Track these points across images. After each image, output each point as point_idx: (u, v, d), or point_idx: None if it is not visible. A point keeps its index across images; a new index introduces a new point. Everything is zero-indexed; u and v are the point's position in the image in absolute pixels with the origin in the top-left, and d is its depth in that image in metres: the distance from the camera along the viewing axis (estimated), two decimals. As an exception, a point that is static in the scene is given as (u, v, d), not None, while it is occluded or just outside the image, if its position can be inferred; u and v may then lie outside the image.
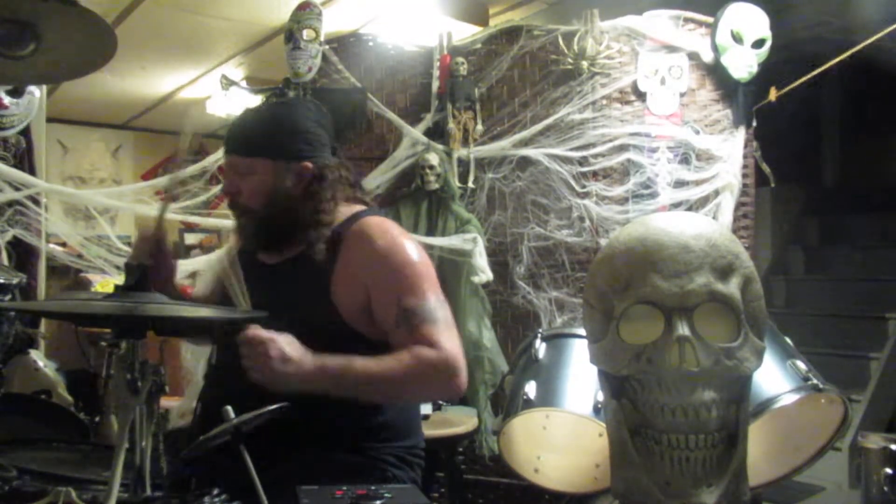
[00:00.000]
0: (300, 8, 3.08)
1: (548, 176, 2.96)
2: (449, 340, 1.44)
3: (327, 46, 3.11)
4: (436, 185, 2.95)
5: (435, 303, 1.47)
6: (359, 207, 1.60)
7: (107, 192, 3.48)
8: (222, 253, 1.60)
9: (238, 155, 1.54)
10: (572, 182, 2.94)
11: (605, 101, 2.97)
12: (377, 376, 1.40)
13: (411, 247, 1.53)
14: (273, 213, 1.52)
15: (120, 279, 1.13)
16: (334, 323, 1.47)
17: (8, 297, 1.98)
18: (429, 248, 1.74)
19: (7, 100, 2.68)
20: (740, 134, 2.89)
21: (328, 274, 1.50)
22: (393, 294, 1.46)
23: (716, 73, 2.92)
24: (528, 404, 1.64)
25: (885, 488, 1.44)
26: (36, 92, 2.78)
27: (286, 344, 1.35)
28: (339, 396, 1.39)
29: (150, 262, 1.51)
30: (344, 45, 3.19)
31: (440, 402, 2.62)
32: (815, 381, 1.54)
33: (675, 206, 2.86)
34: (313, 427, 1.42)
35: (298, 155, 1.53)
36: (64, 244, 3.09)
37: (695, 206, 2.86)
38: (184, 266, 3.24)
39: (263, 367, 1.32)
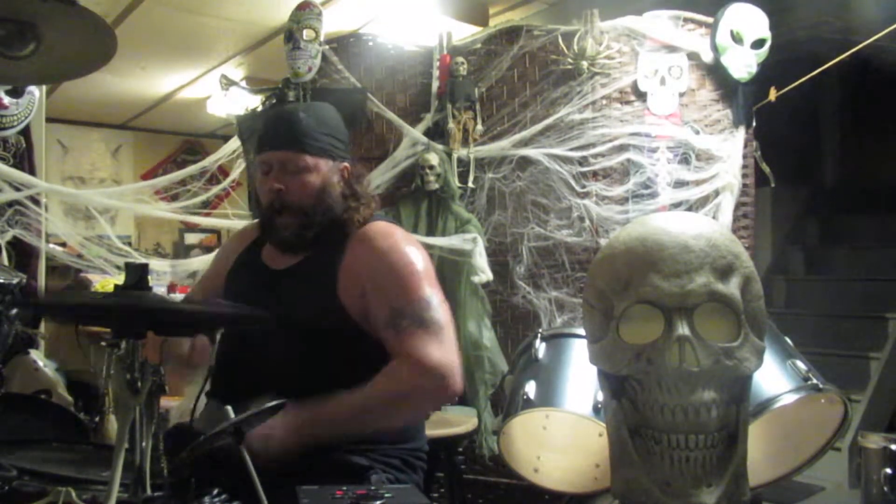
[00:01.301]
0: (300, 8, 3.08)
1: (548, 176, 2.96)
2: (435, 346, 1.44)
3: (327, 46, 3.11)
4: (436, 185, 2.95)
5: (426, 304, 1.47)
6: (369, 212, 1.63)
7: (107, 192, 3.48)
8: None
9: (295, 151, 1.54)
10: (572, 182, 2.94)
11: (605, 101, 2.97)
12: (361, 407, 1.41)
13: (412, 251, 1.54)
14: (318, 211, 1.55)
15: (120, 279, 1.13)
16: (342, 322, 1.49)
17: (8, 297, 1.98)
18: (429, 248, 1.74)
19: (7, 100, 2.68)
20: (740, 134, 2.89)
21: (335, 274, 1.51)
22: (384, 295, 1.48)
23: (716, 73, 2.92)
24: (528, 404, 1.64)
25: (885, 488, 1.44)
26: (36, 92, 2.78)
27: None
28: (330, 438, 1.40)
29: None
30: (344, 45, 3.19)
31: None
32: (815, 381, 1.54)
33: (675, 206, 2.86)
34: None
35: (342, 156, 1.60)
36: (64, 244, 3.09)
37: (695, 206, 2.86)
38: (184, 266, 3.24)
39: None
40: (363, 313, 1.49)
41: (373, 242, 1.53)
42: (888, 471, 1.45)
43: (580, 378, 1.65)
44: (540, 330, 1.88)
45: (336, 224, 1.57)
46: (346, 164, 1.60)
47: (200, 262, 3.13)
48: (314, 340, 1.46)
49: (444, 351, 1.44)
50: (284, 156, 1.54)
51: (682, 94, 2.93)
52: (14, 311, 1.99)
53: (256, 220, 1.71)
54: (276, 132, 1.57)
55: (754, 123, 2.92)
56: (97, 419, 2.63)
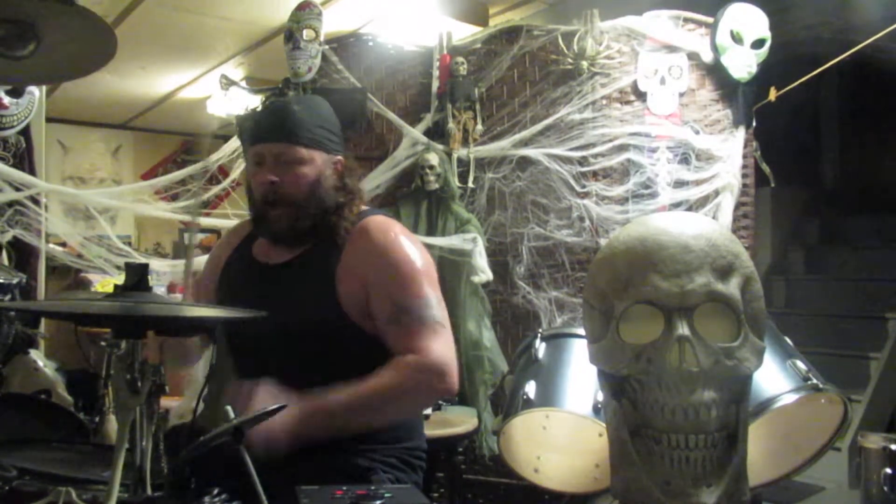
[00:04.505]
0: (300, 8, 3.08)
1: (548, 176, 2.96)
2: (436, 343, 1.45)
3: (327, 46, 3.11)
4: (436, 185, 2.95)
5: (428, 303, 1.48)
6: (363, 206, 1.63)
7: (107, 192, 3.48)
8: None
9: (290, 143, 1.54)
10: (572, 182, 2.94)
11: (605, 101, 2.97)
12: (361, 399, 1.41)
13: (410, 246, 1.54)
14: (312, 204, 1.54)
15: (120, 279, 1.13)
16: (338, 319, 1.49)
17: (8, 297, 1.98)
18: (429, 248, 1.74)
19: (7, 100, 2.68)
20: (740, 134, 2.89)
21: (333, 270, 1.51)
22: (386, 291, 1.48)
23: (716, 73, 2.92)
24: (528, 404, 1.64)
25: (885, 488, 1.44)
26: (36, 92, 2.78)
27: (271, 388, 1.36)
28: (331, 431, 1.40)
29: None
30: (344, 45, 3.19)
31: (438, 402, 2.62)
32: (815, 381, 1.53)
33: (675, 206, 2.86)
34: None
35: (336, 149, 1.60)
36: (64, 244, 3.09)
37: (695, 206, 2.86)
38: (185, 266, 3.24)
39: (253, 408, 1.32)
40: (361, 309, 1.50)
41: (373, 237, 1.53)
42: (888, 471, 1.45)
43: (580, 378, 1.65)
44: (540, 330, 1.88)
45: (327, 217, 1.56)
46: (339, 157, 1.59)
47: (200, 263, 3.13)
48: (311, 336, 1.46)
49: (444, 349, 1.46)
50: (279, 148, 1.54)
51: (682, 94, 2.93)
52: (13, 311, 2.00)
53: (248, 218, 1.70)
54: (270, 124, 1.57)
55: (754, 123, 2.92)
56: (97, 419, 2.64)
